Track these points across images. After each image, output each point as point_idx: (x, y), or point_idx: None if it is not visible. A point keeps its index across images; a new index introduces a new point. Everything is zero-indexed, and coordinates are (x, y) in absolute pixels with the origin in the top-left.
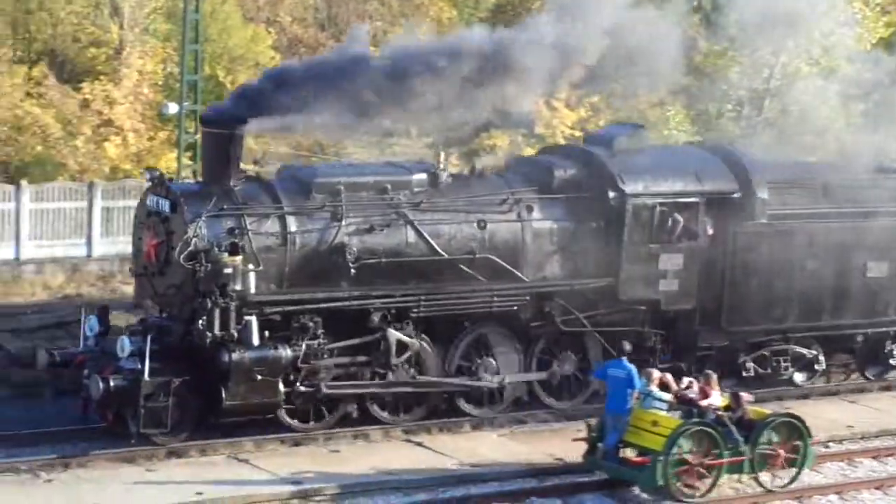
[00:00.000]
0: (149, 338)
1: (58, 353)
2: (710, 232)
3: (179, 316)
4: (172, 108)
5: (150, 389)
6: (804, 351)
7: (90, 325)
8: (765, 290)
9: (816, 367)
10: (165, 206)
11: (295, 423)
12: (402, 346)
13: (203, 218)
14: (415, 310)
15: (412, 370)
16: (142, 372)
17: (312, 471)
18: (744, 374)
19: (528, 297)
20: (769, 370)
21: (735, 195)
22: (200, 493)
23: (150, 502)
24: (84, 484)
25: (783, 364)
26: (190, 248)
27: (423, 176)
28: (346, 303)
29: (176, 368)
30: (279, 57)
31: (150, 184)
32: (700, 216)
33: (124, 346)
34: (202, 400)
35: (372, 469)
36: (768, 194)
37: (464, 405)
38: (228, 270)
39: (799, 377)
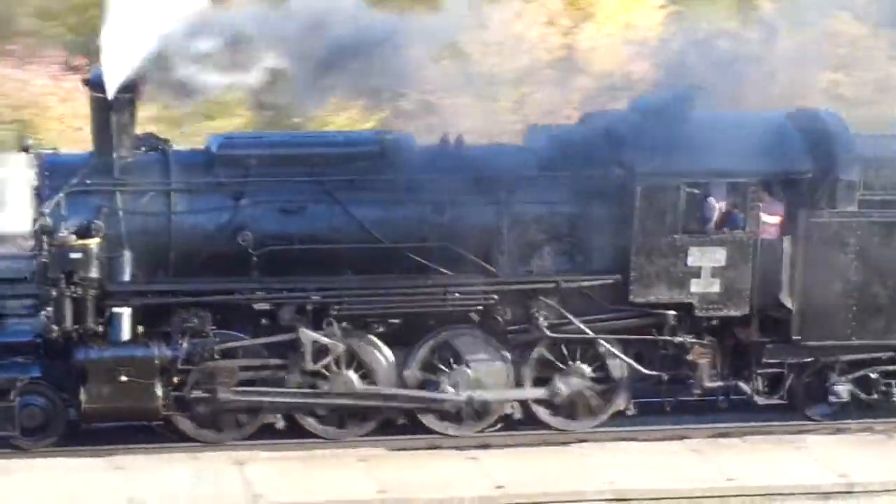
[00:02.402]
0: None
1: None
2: (772, 221)
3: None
4: None
5: None
6: None
7: None
8: (857, 297)
9: None
10: (34, 179)
11: (205, 433)
12: (322, 350)
13: (61, 194)
14: (336, 306)
15: (345, 377)
16: None
17: None
18: (831, 398)
19: (496, 296)
20: (877, 395)
21: (804, 175)
22: None
23: None
24: None
25: None
26: (35, 229)
27: (369, 148)
28: (236, 296)
29: (27, 366)
30: None
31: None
32: (749, 201)
33: None
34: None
35: None
36: (860, 175)
37: (430, 421)
38: (76, 255)
39: None
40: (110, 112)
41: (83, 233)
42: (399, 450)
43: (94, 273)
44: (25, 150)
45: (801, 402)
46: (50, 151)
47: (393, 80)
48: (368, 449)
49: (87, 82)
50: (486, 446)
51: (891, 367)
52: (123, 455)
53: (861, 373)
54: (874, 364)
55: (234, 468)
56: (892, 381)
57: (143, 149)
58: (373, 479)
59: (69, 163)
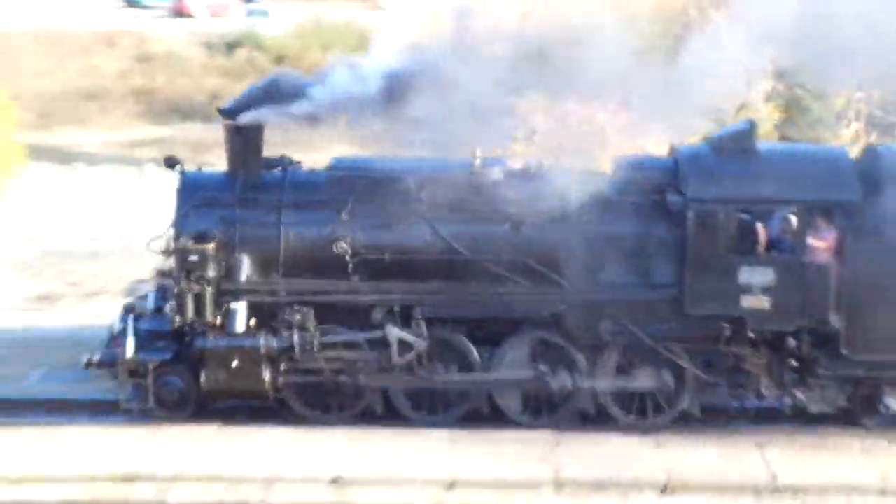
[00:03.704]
0: (131, 316)
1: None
2: (822, 245)
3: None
4: None
5: (131, 367)
6: None
7: (148, 301)
8: None
9: None
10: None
11: (316, 413)
12: (406, 345)
13: (190, 206)
14: (419, 309)
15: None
16: (124, 350)
17: None
18: (881, 409)
19: (563, 306)
20: None
21: (851, 205)
22: None
23: None
24: None
25: None
26: (165, 236)
27: (458, 173)
28: (333, 296)
29: (162, 349)
30: None
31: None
32: (797, 227)
33: (115, 323)
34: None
35: None
36: None
37: (508, 409)
38: (194, 257)
39: None
40: (237, 138)
41: (201, 238)
42: None
43: (210, 273)
44: (171, 166)
45: (856, 412)
46: (192, 170)
47: None
48: (873, 441)
49: (220, 111)
50: None
51: None
52: (664, 435)
53: None
54: None
55: (756, 450)
56: None
57: (279, 168)
58: (875, 468)
59: (202, 179)
